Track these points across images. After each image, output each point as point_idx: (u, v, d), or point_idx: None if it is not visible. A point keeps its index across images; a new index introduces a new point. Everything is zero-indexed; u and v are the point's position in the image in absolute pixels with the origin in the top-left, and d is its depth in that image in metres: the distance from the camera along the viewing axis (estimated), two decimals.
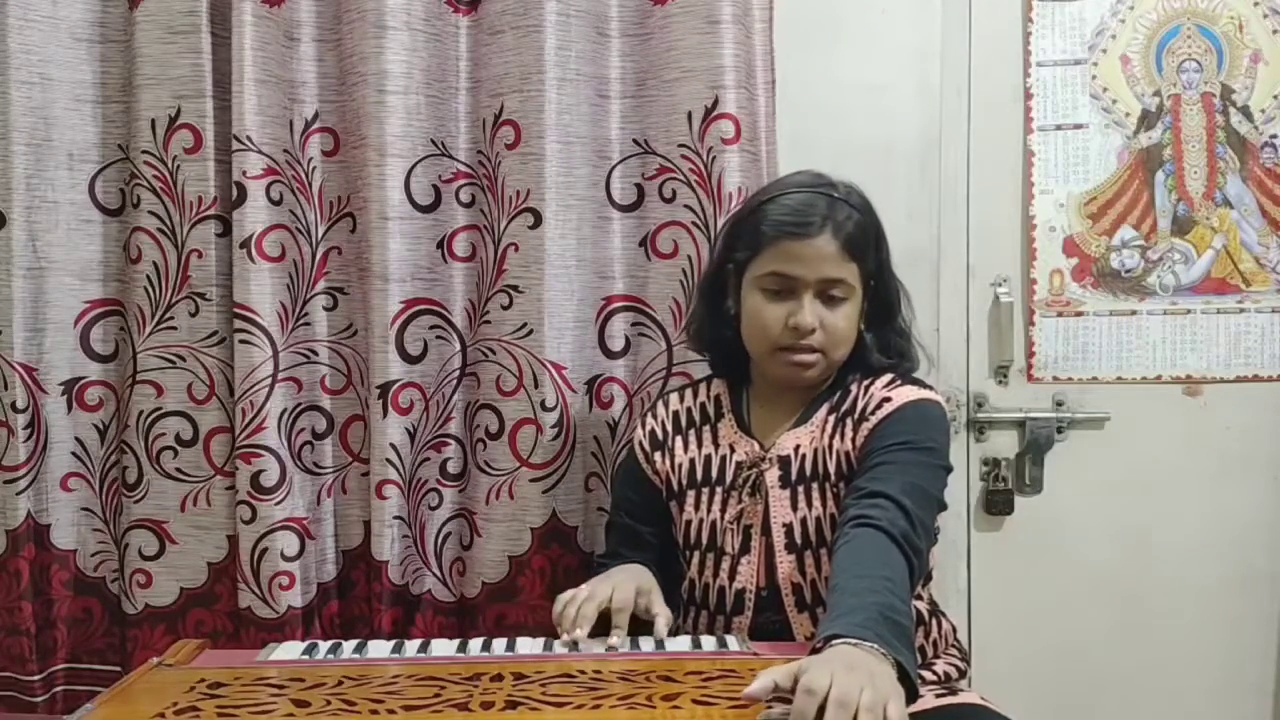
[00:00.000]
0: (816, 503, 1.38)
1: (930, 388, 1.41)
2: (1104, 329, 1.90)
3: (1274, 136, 1.87)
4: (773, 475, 1.40)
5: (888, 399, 1.36)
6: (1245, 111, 1.87)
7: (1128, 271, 1.89)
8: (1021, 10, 1.88)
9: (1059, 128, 1.88)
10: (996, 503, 1.91)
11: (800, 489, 1.39)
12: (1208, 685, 1.91)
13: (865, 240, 1.38)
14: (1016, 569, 1.92)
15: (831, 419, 1.40)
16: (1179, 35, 1.87)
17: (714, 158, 1.67)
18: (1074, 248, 1.89)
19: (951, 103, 1.86)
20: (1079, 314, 1.90)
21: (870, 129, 1.82)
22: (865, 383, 1.40)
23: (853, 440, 1.36)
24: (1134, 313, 1.89)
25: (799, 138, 1.77)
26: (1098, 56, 1.87)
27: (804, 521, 1.38)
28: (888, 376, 1.40)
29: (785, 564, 1.38)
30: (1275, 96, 1.87)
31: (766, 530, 1.40)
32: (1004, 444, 1.92)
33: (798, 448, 1.40)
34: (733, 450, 1.44)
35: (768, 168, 1.72)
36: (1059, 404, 1.91)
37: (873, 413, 1.35)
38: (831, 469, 1.38)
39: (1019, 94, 1.89)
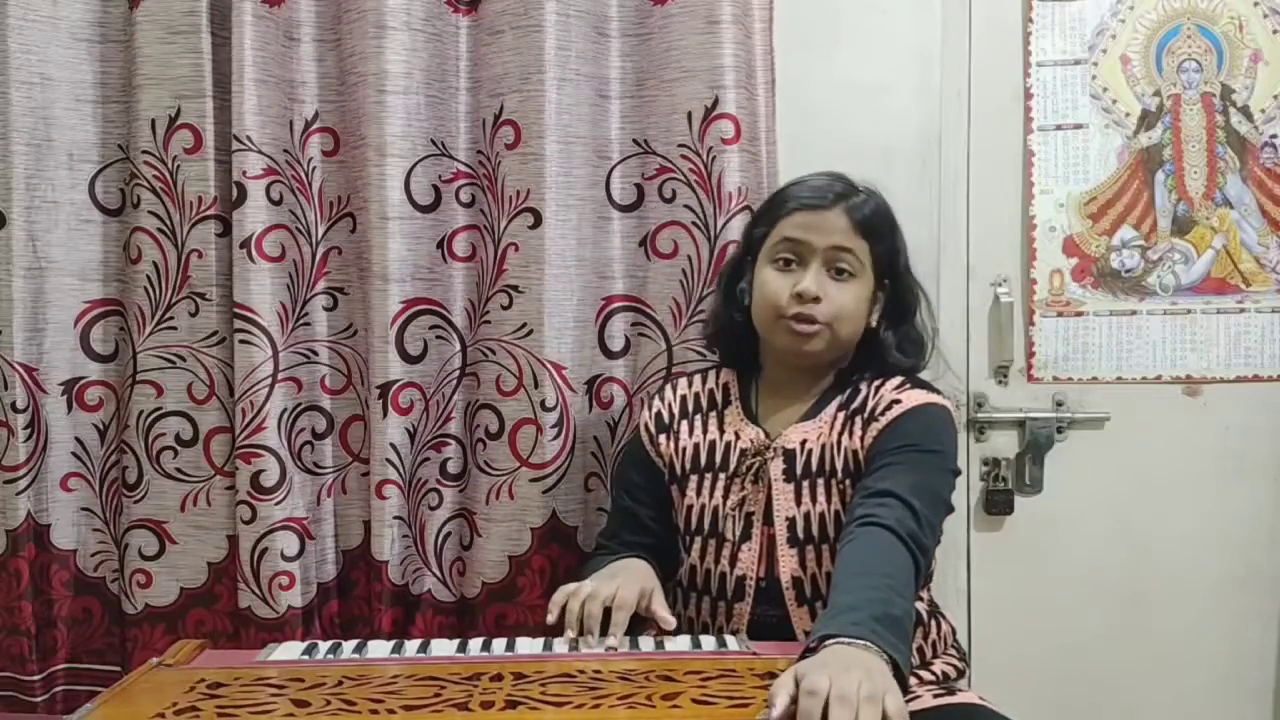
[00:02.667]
0: (821, 498, 1.38)
1: (939, 392, 1.42)
2: (1104, 329, 1.90)
3: (1274, 136, 1.87)
4: (776, 467, 1.40)
5: (897, 401, 1.37)
6: (1245, 111, 1.87)
7: (1128, 271, 1.89)
8: (1021, 10, 1.88)
9: (1059, 128, 1.88)
10: (996, 503, 1.91)
11: (805, 483, 1.39)
12: (1208, 685, 1.91)
13: (879, 224, 1.42)
14: (1016, 569, 1.92)
15: (841, 416, 1.40)
16: (1179, 35, 1.87)
17: (714, 158, 1.67)
18: (1074, 248, 1.89)
19: (951, 103, 1.86)
20: (1079, 314, 1.90)
21: (870, 129, 1.82)
22: (875, 383, 1.41)
23: (861, 439, 1.37)
24: (1134, 313, 1.89)
25: (799, 138, 1.77)
26: (1098, 56, 1.87)
27: (808, 516, 1.38)
28: (898, 379, 1.41)
29: (787, 557, 1.39)
30: (1275, 96, 1.87)
31: (769, 520, 1.40)
32: (1004, 444, 1.92)
33: (804, 442, 1.41)
34: (738, 437, 1.45)
35: (768, 168, 1.72)
36: (1059, 404, 1.91)
37: (882, 414, 1.36)
38: (839, 466, 1.38)
39: (1019, 94, 1.89)
